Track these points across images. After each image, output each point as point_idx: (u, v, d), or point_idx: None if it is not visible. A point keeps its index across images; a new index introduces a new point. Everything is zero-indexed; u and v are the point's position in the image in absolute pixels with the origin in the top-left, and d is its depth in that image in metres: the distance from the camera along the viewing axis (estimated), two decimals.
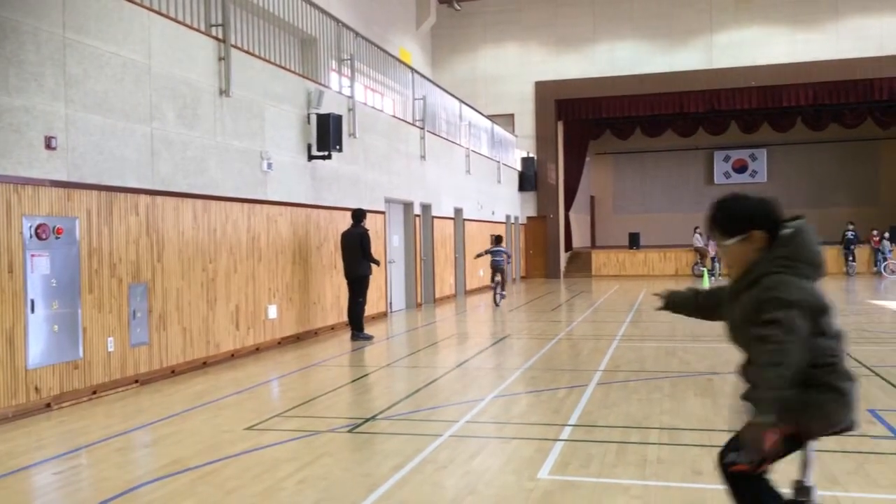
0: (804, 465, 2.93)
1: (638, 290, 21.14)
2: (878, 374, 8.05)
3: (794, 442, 2.80)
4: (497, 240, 17.54)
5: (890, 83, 25.19)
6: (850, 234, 25.78)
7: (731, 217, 2.87)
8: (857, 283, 22.56)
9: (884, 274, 24.83)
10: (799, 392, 2.72)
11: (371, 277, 12.23)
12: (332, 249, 12.77)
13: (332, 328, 12.88)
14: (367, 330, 12.15)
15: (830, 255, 26.53)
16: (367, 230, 11.97)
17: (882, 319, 13.31)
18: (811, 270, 2.76)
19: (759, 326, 2.69)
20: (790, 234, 2.79)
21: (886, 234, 25.95)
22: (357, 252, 11.79)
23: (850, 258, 25.54)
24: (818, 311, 2.73)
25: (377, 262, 12.17)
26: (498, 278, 17.12)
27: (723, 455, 2.92)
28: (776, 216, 2.83)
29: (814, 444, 2.90)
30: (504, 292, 17.58)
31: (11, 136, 6.79)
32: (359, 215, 11.96)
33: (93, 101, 7.74)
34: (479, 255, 18.10)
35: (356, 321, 11.89)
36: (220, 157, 9.88)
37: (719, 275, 25.95)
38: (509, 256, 17.76)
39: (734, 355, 9.94)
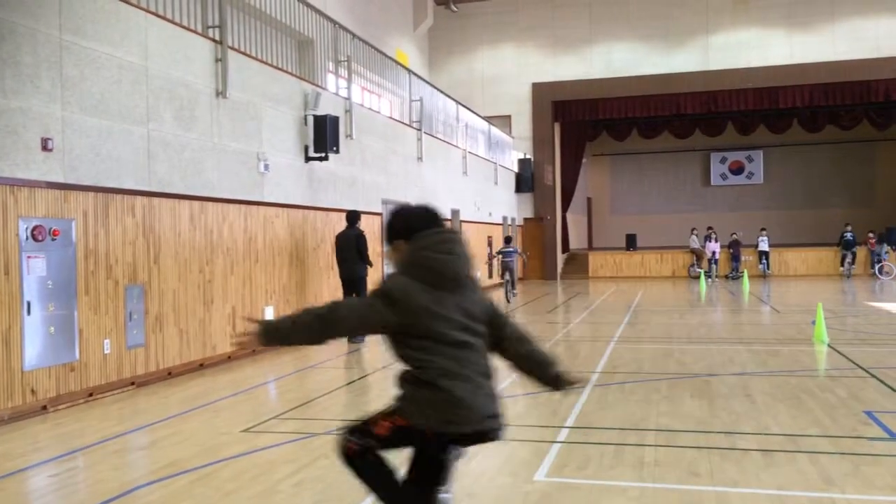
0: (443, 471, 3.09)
1: (635, 291, 21.15)
2: (874, 376, 8.06)
3: (409, 436, 3.01)
4: (507, 240, 18.42)
5: (886, 85, 25.24)
6: (848, 236, 25.81)
7: (385, 228, 3.22)
8: (854, 284, 22.59)
9: (878, 276, 24.88)
10: (407, 387, 2.98)
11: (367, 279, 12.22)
12: (329, 251, 12.75)
13: None
14: None
15: (826, 257, 26.62)
16: (362, 232, 11.97)
17: (878, 321, 13.34)
18: (429, 275, 2.97)
19: None
20: (412, 244, 3.04)
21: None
22: (354, 253, 11.78)
23: (850, 259, 25.58)
24: (422, 313, 2.93)
25: (371, 264, 12.16)
26: (507, 276, 17.95)
27: (346, 438, 3.13)
28: (414, 228, 3.06)
29: (456, 453, 3.07)
30: (515, 290, 18.44)
31: (8, 137, 6.78)
32: (353, 217, 11.96)
33: (89, 102, 7.73)
34: (491, 258, 18.50)
35: None
36: (217, 159, 9.88)
37: (716, 276, 26.01)
38: (519, 254, 18.75)
39: (732, 357, 9.86)
